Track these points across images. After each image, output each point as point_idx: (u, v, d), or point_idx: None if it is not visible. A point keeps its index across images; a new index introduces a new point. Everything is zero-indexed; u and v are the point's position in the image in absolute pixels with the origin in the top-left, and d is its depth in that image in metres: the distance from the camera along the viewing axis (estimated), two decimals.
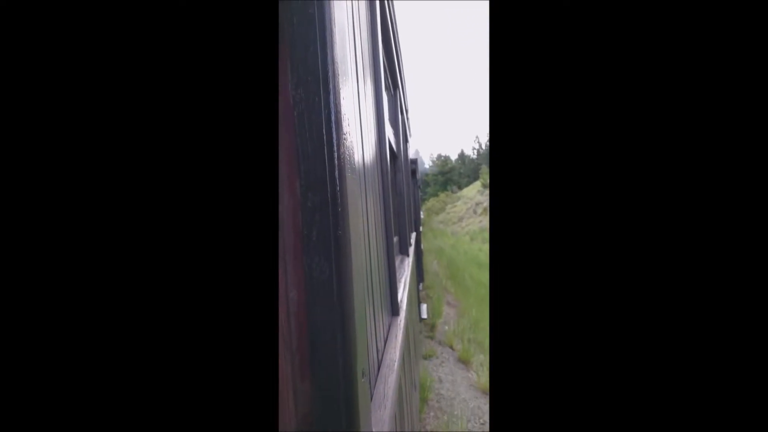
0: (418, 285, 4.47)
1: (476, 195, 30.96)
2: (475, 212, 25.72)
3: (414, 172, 5.94)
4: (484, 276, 8.93)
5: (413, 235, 4.40)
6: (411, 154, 5.34)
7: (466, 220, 25.61)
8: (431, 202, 40.10)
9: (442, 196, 41.74)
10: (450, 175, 59.41)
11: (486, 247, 14.67)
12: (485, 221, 22.04)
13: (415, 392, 2.39)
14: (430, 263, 12.07)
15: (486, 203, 25.71)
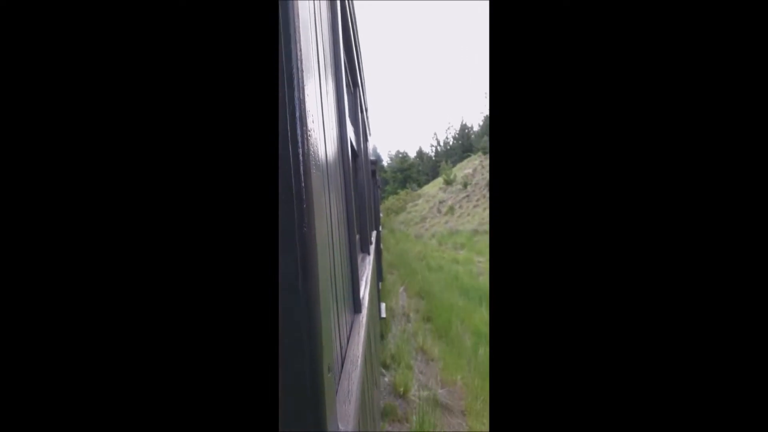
0: (378, 283, 4.49)
1: (438, 192, 29.96)
2: (439, 211, 24.73)
3: (374, 171, 5.95)
4: (478, 314, 5.55)
5: (374, 233, 4.42)
6: (370, 152, 5.35)
7: (429, 220, 24.36)
8: (390, 201, 38.15)
9: (402, 194, 40.72)
10: (409, 172, 59.79)
11: (461, 256, 11.78)
12: (451, 221, 20.74)
13: (376, 390, 2.40)
14: (396, 291, 7.49)
15: (450, 201, 25.16)
